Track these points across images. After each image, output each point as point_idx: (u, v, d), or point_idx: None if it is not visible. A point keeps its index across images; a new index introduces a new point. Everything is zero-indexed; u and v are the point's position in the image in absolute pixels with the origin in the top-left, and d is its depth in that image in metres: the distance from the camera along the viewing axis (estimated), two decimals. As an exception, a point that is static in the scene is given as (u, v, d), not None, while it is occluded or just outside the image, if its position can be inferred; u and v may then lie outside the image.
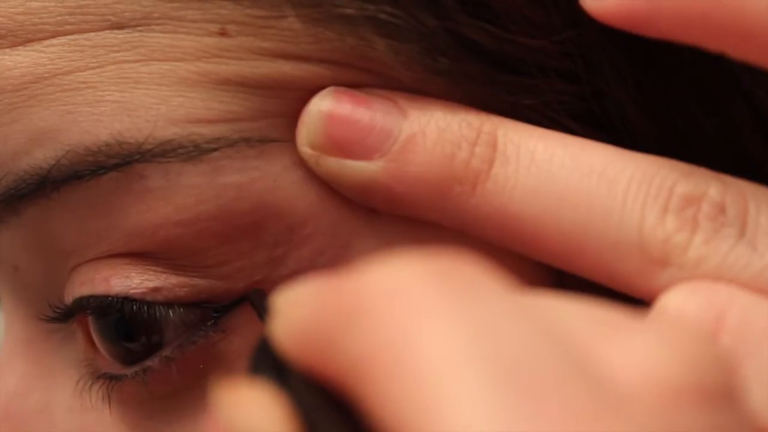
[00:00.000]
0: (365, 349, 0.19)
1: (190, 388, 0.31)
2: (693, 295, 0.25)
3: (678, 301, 0.25)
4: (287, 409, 0.21)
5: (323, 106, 0.29)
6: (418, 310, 0.19)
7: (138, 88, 0.29)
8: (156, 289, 0.30)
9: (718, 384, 0.20)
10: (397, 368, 0.18)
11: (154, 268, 0.30)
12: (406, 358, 0.18)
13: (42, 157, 0.29)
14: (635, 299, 0.27)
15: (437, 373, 0.18)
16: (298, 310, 0.22)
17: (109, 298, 0.31)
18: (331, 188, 0.30)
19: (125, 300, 0.30)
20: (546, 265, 0.29)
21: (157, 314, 0.30)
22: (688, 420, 0.19)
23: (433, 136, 0.28)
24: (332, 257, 0.30)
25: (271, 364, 0.23)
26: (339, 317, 0.20)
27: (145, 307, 0.30)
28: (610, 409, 0.18)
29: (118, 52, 0.29)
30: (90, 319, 0.32)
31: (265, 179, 0.29)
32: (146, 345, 0.31)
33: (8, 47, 0.29)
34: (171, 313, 0.30)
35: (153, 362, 0.31)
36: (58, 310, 0.32)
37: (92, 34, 0.29)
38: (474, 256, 0.21)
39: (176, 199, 0.29)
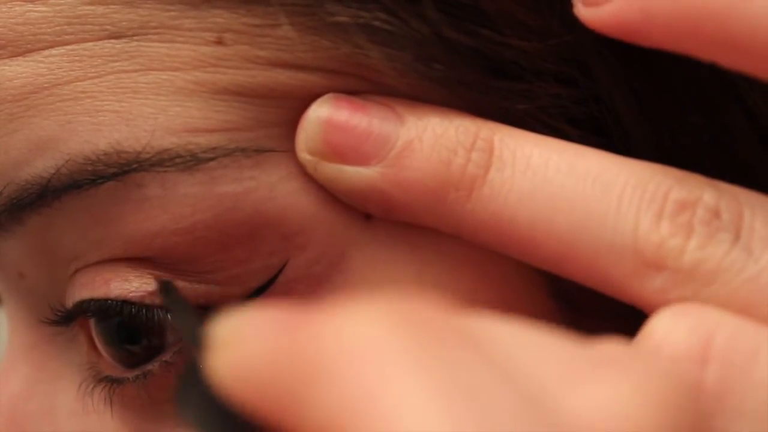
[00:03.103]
0: (337, 410, 0.19)
1: None
2: (680, 319, 0.25)
3: (665, 326, 0.25)
4: None
5: (322, 112, 0.29)
6: (392, 369, 0.19)
7: (136, 98, 0.29)
8: (154, 293, 0.30)
9: (692, 430, 0.19)
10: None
11: (152, 272, 0.30)
12: (383, 424, 0.18)
13: (42, 166, 0.30)
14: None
15: None
16: (247, 349, 0.20)
17: (109, 302, 0.31)
18: (327, 198, 0.30)
19: (124, 303, 0.31)
20: (542, 272, 0.29)
21: (156, 318, 0.31)
22: None
23: (429, 142, 0.29)
24: (328, 265, 0.30)
25: (211, 402, 0.21)
26: (305, 370, 0.19)
27: (144, 311, 0.31)
28: None
29: (116, 61, 0.29)
30: (92, 323, 0.33)
31: (261, 189, 0.29)
32: (147, 348, 0.31)
33: (8, 57, 0.30)
34: (169, 317, 0.31)
35: (153, 366, 0.31)
36: (60, 313, 0.33)
37: (91, 44, 0.29)
38: (431, 296, 0.21)
39: (173, 208, 0.29)
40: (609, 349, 0.21)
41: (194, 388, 0.22)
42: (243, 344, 0.20)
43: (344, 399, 0.18)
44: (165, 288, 0.30)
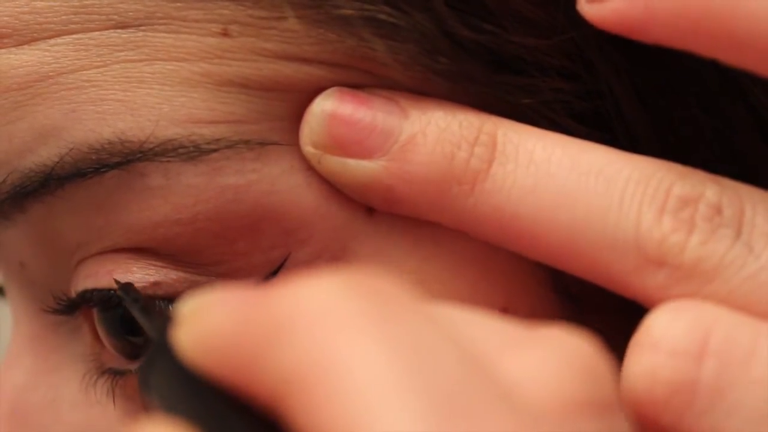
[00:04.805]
0: (296, 366, 0.20)
1: None
2: (679, 315, 0.25)
3: (663, 322, 0.25)
4: None
5: (326, 105, 0.29)
6: (345, 329, 0.20)
7: (141, 88, 0.29)
8: (156, 284, 0.31)
9: (605, 394, 0.21)
10: (328, 385, 0.19)
11: (155, 263, 0.30)
12: (337, 375, 0.19)
13: (46, 154, 0.30)
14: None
15: (366, 389, 0.19)
16: (211, 321, 0.21)
17: (112, 292, 0.31)
18: (329, 192, 0.30)
19: None
20: (544, 266, 0.29)
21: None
22: (583, 428, 0.21)
23: (433, 136, 0.29)
24: (330, 260, 0.30)
25: (175, 378, 0.22)
26: (266, 333, 0.20)
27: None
28: (519, 418, 0.20)
29: (122, 51, 0.29)
30: (95, 314, 0.33)
31: (263, 182, 0.30)
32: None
33: (14, 46, 0.30)
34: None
35: None
36: (62, 302, 0.33)
37: (96, 33, 0.29)
38: (389, 274, 0.22)
39: (175, 198, 0.30)
40: (547, 330, 0.22)
41: (157, 369, 0.23)
42: (207, 315, 0.22)
43: (301, 356, 0.20)
44: (124, 288, 0.30)
